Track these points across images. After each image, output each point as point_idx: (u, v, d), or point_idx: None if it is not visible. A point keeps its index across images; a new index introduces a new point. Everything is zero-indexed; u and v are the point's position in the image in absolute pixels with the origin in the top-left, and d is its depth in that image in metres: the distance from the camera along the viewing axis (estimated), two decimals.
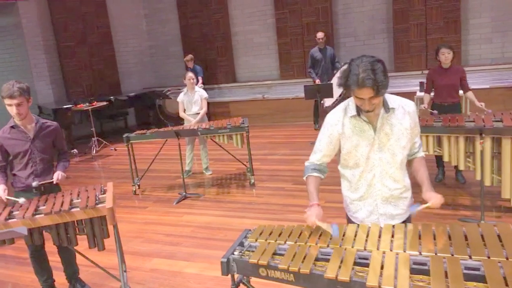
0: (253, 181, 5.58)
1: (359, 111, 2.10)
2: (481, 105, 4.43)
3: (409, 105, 2.15)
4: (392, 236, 1.97)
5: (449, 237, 1.90)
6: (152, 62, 10.67)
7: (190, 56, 8.88)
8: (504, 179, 3.85)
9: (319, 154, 2.30)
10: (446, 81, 4.56)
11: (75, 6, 9.22)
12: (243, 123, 5.44)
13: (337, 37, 8.69)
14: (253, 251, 2.04)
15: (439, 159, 4.82)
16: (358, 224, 2.15)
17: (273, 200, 5.00)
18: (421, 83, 7.08)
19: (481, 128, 3.73)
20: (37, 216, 2.64)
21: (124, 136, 5.61)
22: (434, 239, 1.90)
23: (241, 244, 2.14)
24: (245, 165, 5.97)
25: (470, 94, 4.63)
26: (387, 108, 2.09)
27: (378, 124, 2.11)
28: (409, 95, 7.77)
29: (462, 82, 4.59)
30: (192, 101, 6.02)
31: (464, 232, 1.92)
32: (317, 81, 7.77)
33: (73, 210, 2.69)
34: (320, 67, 7.88)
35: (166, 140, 5.83)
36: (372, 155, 2.14)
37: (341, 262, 1.82)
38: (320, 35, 7.78)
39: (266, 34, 9.34)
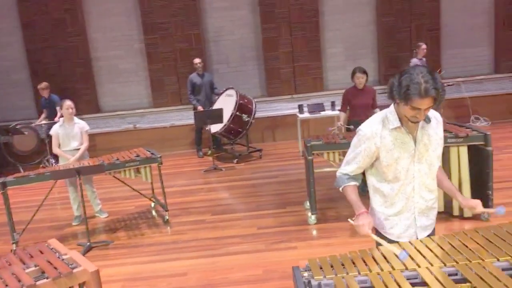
0: (167, 217, 5.04)
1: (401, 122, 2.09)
2: None
3: (439, 116, 2.23)
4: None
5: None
6: None
7: (45, 84, 7.69)
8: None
9: (354, 166, 2.24)
10: (361, 100, 5.03)
11: None
12: (153, 154, 4.90)
13: (210, 63, 8.70)
14: None
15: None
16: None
17: (201, 235, 4.60)
18: (300, 106, 7.63)
19: None
20: None
21: None
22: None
23: (309, 285, 1.86)
24: (152, 200, 5.37)
25: (377, 110, 5.17)
26: (427, 119, 2.12)
27: (418, 135, 2.13)
28: (284, 118, 8.34)
29: (373, 101, 5.11)
30: (70, 135, 5.11)
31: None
32: (199, 108, 7.60)
33: (39, 283, 1.92)
34: (201, 93, 7.74)
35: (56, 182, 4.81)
36: (412, 167, 2.15)
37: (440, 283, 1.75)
38: (197, 60, 7.68)
39: (133, 60, 8.73)
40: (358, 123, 4.86)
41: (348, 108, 5.29)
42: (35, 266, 2.07)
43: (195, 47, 8.47)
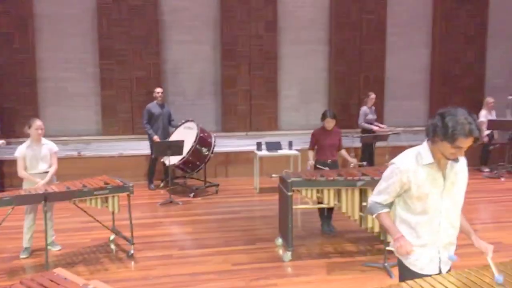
0: (132, 251, 4.71)
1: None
2: (353, 160, 5.26)
3: (463, 157, 2.40)
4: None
5: None
6: None
7: None
8: None
9: (387, 196, 2.40)
10: (329, 141, 5.22)
11: None
12: (124, 182, 4.63)
13: (166, 94, 8.52)
14: None
15: (324, 210, 5.32)
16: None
17: (172, 271, 4.35)
18: (258, 143, 7.74)
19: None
20: None
21: None
22: None
23: None
24: (116, 234, 5.00)
25: (343, 151, 5.41)
26: (457, 158, 2.29)
27: (448, 172, 2.29)
28: (239, 154, 8.37)
29: (339, 142, 5.33)
30: (39, 157, 4.73)
31: None
32: (156, 137, 7.39)
33: None
34: (157, 123, 7.55)
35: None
36: (440, 202, 2.29)
37: None
38: (159, 90, 7.56)
39: (84, 84, 8.31)
40: (324, 164, 5.12)
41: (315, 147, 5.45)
42: None
43: (153, 76, 8.32)
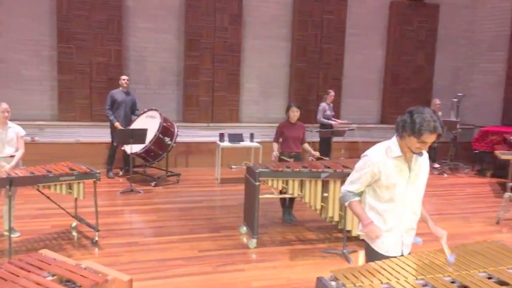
0: (96, 238, 4.69)
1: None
2: (316, 154, 5.53)
3: (425, 152, 2.67)
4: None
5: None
6: None
7: None
8: (347, 214, 4.87)
9: (359, 185, 2.61)
10: (293, 133, 5.42)
11: None
12: (91, 169, 4.58)
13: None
14: None
15: (286, 201, 5.54)
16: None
17: (140, 257, 4.38)
18: (221, 134, 7.84)
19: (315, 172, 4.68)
20: None
21: None
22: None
23: None
24: (79, 220, 4.94)
25: (306, 145, 5.64)
26: (421, 152, 2.55)
27: (412, 164, 2.54)
28: (199, 145, 8.43)
29: (303, 135, 5.55)
30: (5, 140, 4.60)
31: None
32: (117, 124, 7.27)
33: None
34: (120, 110, 7.43)
35: None
36: (405, 192, 2.54)
37: None
38: (124, 77, 7.45)
39: (40, 68, 7.99)
40: (288, 156, 5.34)
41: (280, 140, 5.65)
42: (53, 275, 1.86)
43: (114, 63, 8.16)
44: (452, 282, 2.20)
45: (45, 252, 2.17)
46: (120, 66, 8.18)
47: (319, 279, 2.19)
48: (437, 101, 9.19)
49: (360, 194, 2.66)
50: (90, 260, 3.41)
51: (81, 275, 1.86)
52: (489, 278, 2.25)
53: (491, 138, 8.85)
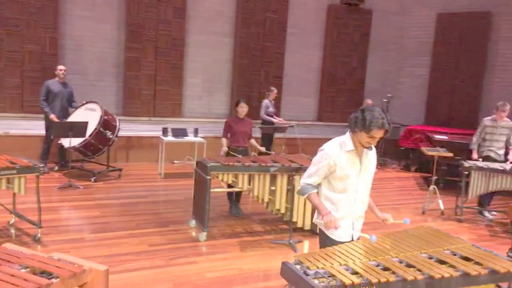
0: (39, 235, 4.48)
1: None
2: (262, 149, 5.72)
3: (374, 148, 2.94)
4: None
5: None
6: None
7: None
8: (294, 207, 5.11)
9: (317, 178, 2.81)
10: (241, 128, 5.55)
11: None
12: (34, 163, 4.36)
13: None
14: (331, 277, 2.20)
15: (233, 194, 5.66)
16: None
17: (87, 253, 4.25)
18: (164, 129, 7.76)
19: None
20: None
21: None
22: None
23: (306, 274, 2.22)
24: (19, 217, 4.67)
25: (253, 140, 5.79)
26: (370, 147, 2.81)
27: (363, 158, 2.79)
28: (141, 139, 8.27)
29: (250, 131, 5.69)
30: None
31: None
32: (53, 116, 6.93)
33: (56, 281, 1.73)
34: (55, 102, 7.08)
35: None
36: (356, 183, 2.79)
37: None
38: (61, 67, 7.10)
39: None
40: (236, 151, 5.48)
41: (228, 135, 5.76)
42: (25, 268, 1.83)
43: (49, 52, 7.73)
44: (400, 262, 2.47)
45: (9, 245, 2.10)
46: (55, 55, 7.77)
47: (284, 264, 2.35)
48: (369, 101, 9.80)
49: (317, 186, 2.86)
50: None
51: (56, 266, 1.84)
52: (430, 258, 2.56)
53: (416, 136, 9.63)
